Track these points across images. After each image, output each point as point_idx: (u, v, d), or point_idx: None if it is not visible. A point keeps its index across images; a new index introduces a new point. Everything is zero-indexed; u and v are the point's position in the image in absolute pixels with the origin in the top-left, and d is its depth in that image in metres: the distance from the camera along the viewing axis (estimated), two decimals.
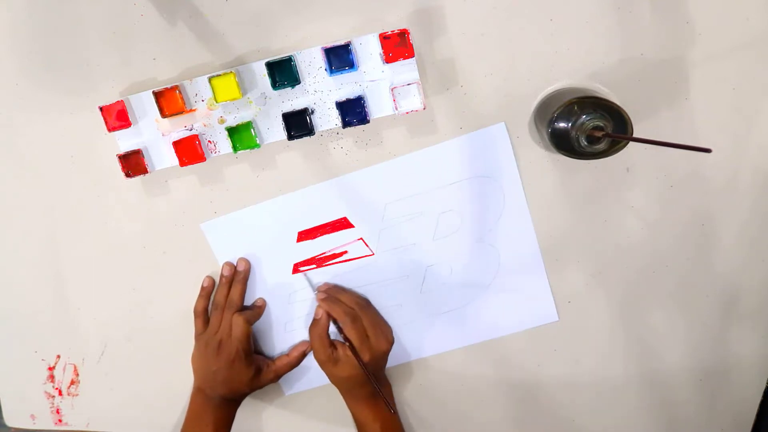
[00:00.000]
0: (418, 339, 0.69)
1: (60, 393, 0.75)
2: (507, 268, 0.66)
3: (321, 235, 0.66)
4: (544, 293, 0.66)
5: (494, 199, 0.63)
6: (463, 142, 0.61)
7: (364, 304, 0.66)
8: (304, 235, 0.66)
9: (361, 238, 0.66)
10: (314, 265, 0.67)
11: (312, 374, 0.71)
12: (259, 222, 0.66)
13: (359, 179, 0.63)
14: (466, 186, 0.63)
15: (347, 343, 0.63)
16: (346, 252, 0.66)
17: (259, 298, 0.68)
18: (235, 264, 0.67)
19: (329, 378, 0.67)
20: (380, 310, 0.68)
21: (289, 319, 0.69)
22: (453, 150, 0.62)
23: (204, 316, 0.68)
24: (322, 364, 0.65)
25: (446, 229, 0.65)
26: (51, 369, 0.74)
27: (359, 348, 0.62)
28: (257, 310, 0.68)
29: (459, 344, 0.69)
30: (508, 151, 0.61)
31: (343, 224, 0.65)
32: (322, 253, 0.66)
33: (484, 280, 0.66)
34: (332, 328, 0.66)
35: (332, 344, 0.65)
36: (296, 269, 0.67)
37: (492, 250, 0.65)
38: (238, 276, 0.67)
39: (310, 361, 0.70)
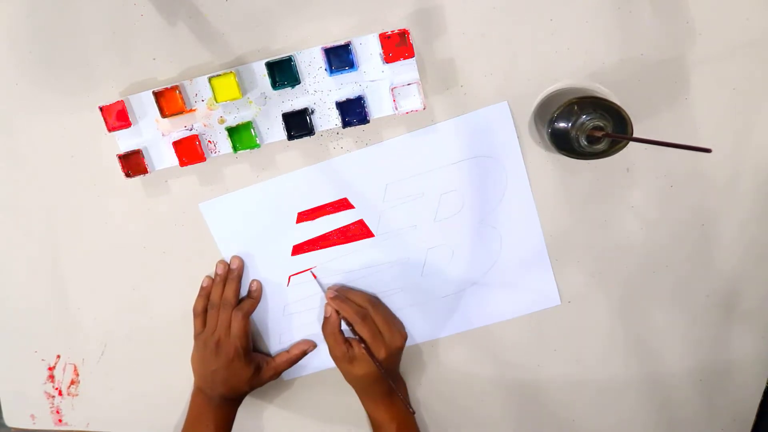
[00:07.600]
0: (420, 323, 0.68)
1: (60, 393, 0.75)
2: (509, 250, 0.65)
3: (321, 216, 0.65)
4: (547, 276, 0.65)
5: (496, 180, 0.62)
6: (466, 121, 0.61)
7: (375, 301, 0.66)
8: (304, 216, 0.65)
9: (362, 220, 0.65)
10: (314, 247, 0.66)
11: (309, 360, 0.70)
12: (258, 202, 0.65)
13: (360, 159, 0.63)
14: (468, 166, 0.62)
15: (361, 342, 0.62)
16: (346, 233, 0.66)
17: (254, 280, 0.68)
18: (229, 262, 0.67)
19: (345, 377, 0.66)
20: (380, 294, 0.67)
21: (287, 302, 0.68)
22: (455, 129, 0.61)
23: (203, 315, 0.68)
24: (338, 362, 0.65)
25: (448, 211, 0.64)
26: (51, 369, 0.74)
27: (372, 345, 0.62)
28: (252, 299, 0.67)
29: (461, 328, 0.68)
30: (510, 131, 0.61)
31: (343, 205, 0.65)
32: (322, 235, 0.66)
33: (486, 263, 0.65)
34: (345, 327, 0.65)
35: (347, 341, 0.64)
36: (296, 251, 0.67)
37: (494, 232, 0.64)
38: (231, 274, 0.66)
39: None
